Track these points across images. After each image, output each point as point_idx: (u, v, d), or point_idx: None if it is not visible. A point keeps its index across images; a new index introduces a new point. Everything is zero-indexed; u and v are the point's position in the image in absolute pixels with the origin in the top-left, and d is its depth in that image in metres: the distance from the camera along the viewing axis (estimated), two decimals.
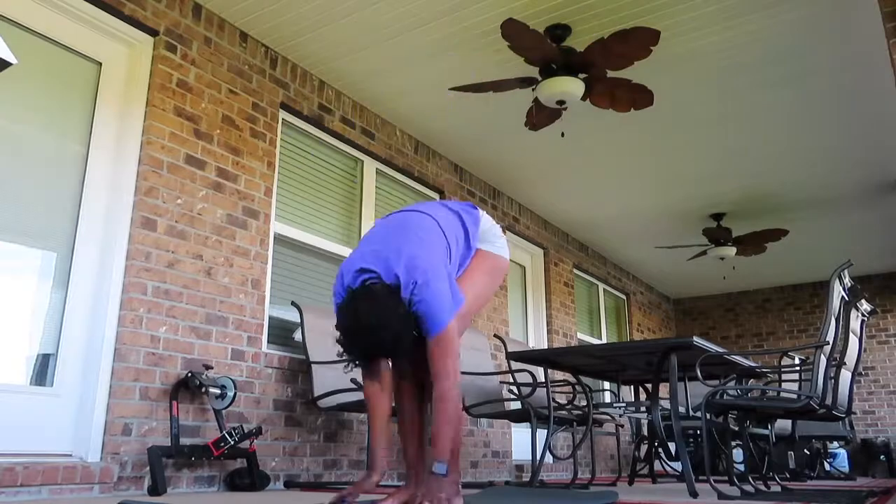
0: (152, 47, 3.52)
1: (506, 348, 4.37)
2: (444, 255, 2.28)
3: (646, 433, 5.25)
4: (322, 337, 3.92)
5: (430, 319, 2.13)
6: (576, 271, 7.72)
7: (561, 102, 3.97)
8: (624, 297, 8.96)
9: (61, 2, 3.21)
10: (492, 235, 2.55)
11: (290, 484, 3.65)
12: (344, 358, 2.21)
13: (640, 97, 4.17)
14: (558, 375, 6.20)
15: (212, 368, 3.36)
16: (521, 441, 5.99)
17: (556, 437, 6.26)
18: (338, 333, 2.19)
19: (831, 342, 3.23)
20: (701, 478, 4.80)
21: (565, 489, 3.62)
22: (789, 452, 6.48)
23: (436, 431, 2.12)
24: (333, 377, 3.82)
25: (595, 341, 7.93)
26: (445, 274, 2.19)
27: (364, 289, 2.17)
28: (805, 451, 6.83)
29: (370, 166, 4.97)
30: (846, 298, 3.43)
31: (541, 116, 4.42)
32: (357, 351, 2.17)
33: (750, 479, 3.86)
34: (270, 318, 3.95)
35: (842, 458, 7.99)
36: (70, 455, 2.95)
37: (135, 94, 3.45)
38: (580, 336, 7.58)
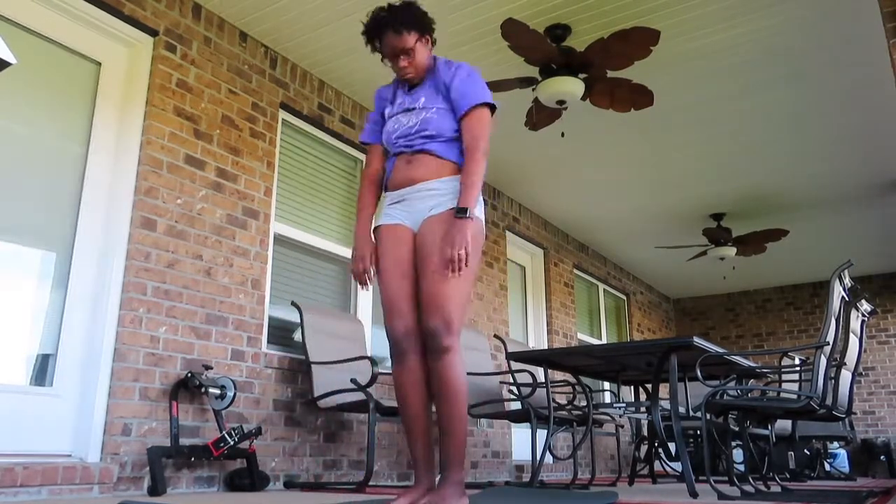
0: (152, 47, 3.52)
1: (506, 348, 4.37)
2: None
3: (646, 433, 5.25)
4: (322, 337, 3.92)
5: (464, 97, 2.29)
6: (576, 271, 7.72)
7: (561, 102, 3.97)
8: (624, 297, 8.96)
9: (61, 2, 3.21)
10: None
11: (290, 484, 3.65)
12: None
13: (640, 97, 4.17)
14: (558, 375, 6.20)
15: (211, 369, 3.36)
16: (521, 441, 5.99)
17: (556, 437, 6.26)
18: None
19: (831, 342, 3.23)
20: (701, 478, 4.80)
21: (565, 489, 3.62)
22: (789, 453, 6.47)
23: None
24: (333, 377, 3.82)
25: (595, 341, 7.93)
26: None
27: None
28: (805, 451, 6.82)
29: None
30: (846, 299, 3.42)
31: (541, 116, 4.42)
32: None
33: (750, 479, 3.86)
34: (270, 318, 3.95)
35: (842, 458, 7.98)
36: (70, 455, 2.95)
37: (134, 94, 3.45)
38: (580, 336, 7.58)
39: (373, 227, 2.43)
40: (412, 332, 2.26)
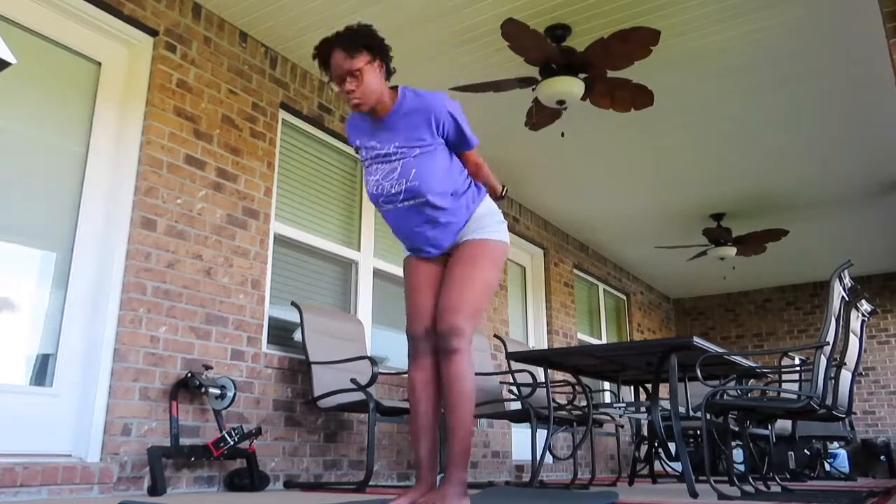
0: (152, 47, 3.52)
1: (506, 348, 4.37)
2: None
3: (646, 433, 5.25)
4: (322, 337, 3.92)
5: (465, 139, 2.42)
6: (576, 271, 7.72)
7: (561, 102, 3.97)
8: (624, 297, 8.96)
9: (61, 2, 3.21)
10: (490, 220, 2.40)
11: (290, 484, 3.65)
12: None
13: (640, 97, 4.16)
14: (558, 375, 6.20)
15: (211, 369, 3.36)
16: (521, 441, 5.99)
17: (556, 437, 6.26)
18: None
19: (831, 342, 3.23)
20: (701, 478, 4.80)
21: (565, 489, 3.62)
22: (789, 453, 6.47)
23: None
24: (333, 377, 3.82)
25: (595, 341, 7.93)
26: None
27: None
28: (805, 451, 6.82)
29: None
30: (846, 298, 3.42)
31: (541, 116, 4.42)
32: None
33: (750, 479, 3.86)
34: (270, 318, 3.95)
35: (842, 458, 7.98)
36: (70, 455, 2.95)
37: (134, 94, 3.45)
38: (580, 336, 7.58)
39: (404, 258, 2.53)
40: (428, 334, 2.35)
